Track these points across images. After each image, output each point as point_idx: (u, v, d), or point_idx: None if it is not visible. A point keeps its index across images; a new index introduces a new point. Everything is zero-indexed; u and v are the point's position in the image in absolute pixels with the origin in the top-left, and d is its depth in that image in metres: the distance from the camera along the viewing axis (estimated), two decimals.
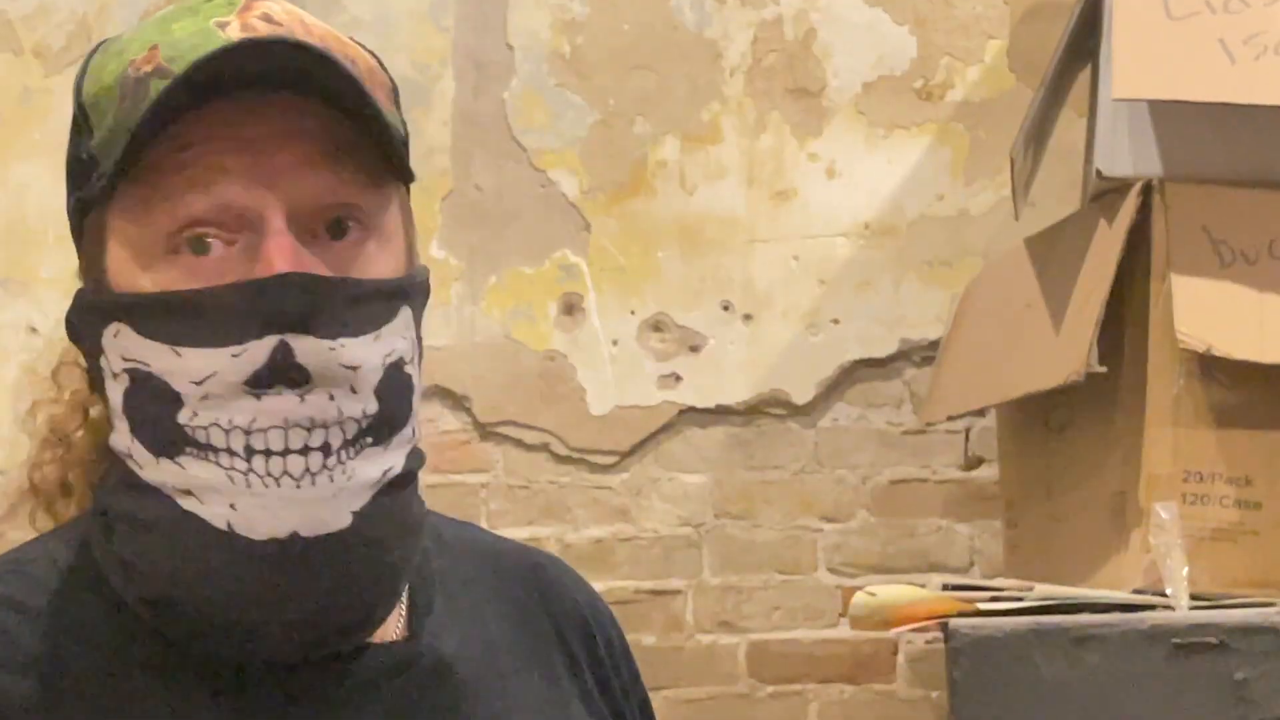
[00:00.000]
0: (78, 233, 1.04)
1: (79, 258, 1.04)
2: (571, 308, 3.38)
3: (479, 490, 3.40)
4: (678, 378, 3.38)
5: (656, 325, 3.38)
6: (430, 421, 3.36)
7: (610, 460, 3.38)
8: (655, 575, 3.35)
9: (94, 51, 1.04)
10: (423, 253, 3.29)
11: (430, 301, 3.27)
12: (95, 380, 1.03)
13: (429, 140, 3.38)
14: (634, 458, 3.39)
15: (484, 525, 3.31)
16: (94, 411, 1.07)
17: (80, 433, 1.09)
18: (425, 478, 3.03)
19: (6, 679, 0.99)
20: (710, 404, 3.38)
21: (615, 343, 3.37)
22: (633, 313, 3.38)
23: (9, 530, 1.15)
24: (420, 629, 1.08)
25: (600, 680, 1.18)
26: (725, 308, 3.38)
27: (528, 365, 3.38)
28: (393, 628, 1.07)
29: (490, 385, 3.38)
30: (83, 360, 1.05)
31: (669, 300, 3.37)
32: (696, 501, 3.37)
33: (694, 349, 3.38)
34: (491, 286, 3.37)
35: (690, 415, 3.39)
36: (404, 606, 1.08)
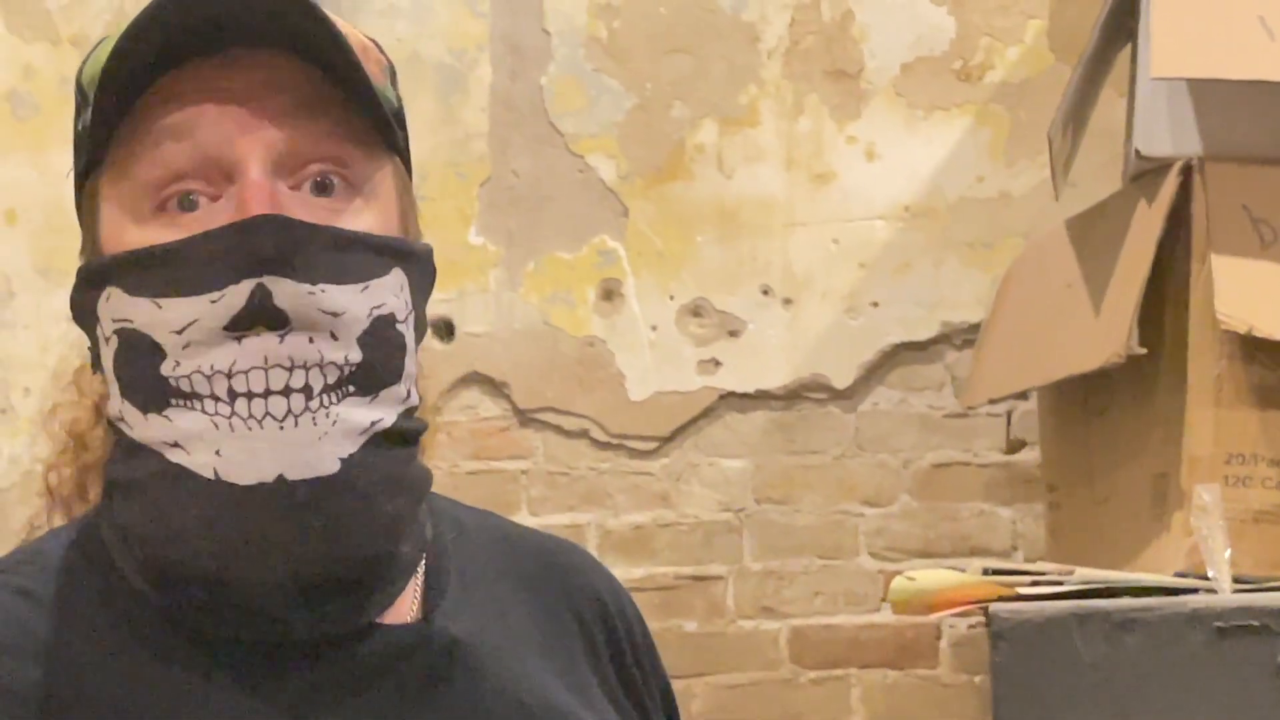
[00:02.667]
0: (79, 209, 1.05)
1: (81, 230, 1.05)
2: (610, 293, 3.37)
3: (519, 477, 3.40)
4: (717, 363, 3.37)
5: (695, 310, 3.38)
6: (470, 408, 3.37)
7: (650, 446, 3.38)
8: (696, 561, 3.35)
9: (97, 45, 1.04)
10: (461, 239, 3.31)
11: (469, 288, 3.26)
12: (95, 358, 1.03)
13: (466, 126, 3.38)
14: (674, 443, 3.38)
15: (524, 512, 3.34)
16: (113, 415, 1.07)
17: (99, 434, 1.09)
18: (465, 465, 3.03)
19: (22, 668, 1.00)
20: (750, 389, 3.37)
21: (654, 328, 3.37)
22: (672, 298, 3.37)
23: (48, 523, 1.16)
24: (434, 612, 1.07)
25: (621, 668, 1.17)
26: (764, 292, 3.37)
27: (567, 351, 3.38)
28: (406, 610, 1.06)
29: (529, 372, 3.38)
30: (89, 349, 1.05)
31: (708, 285, 3.37)
32: (737, 487, 3.37)
33: (733, 334, 3.37)
34: (530, 272, 3.37)
35: (730, 400, 3.38)
36: (419, 589, 1.08)
